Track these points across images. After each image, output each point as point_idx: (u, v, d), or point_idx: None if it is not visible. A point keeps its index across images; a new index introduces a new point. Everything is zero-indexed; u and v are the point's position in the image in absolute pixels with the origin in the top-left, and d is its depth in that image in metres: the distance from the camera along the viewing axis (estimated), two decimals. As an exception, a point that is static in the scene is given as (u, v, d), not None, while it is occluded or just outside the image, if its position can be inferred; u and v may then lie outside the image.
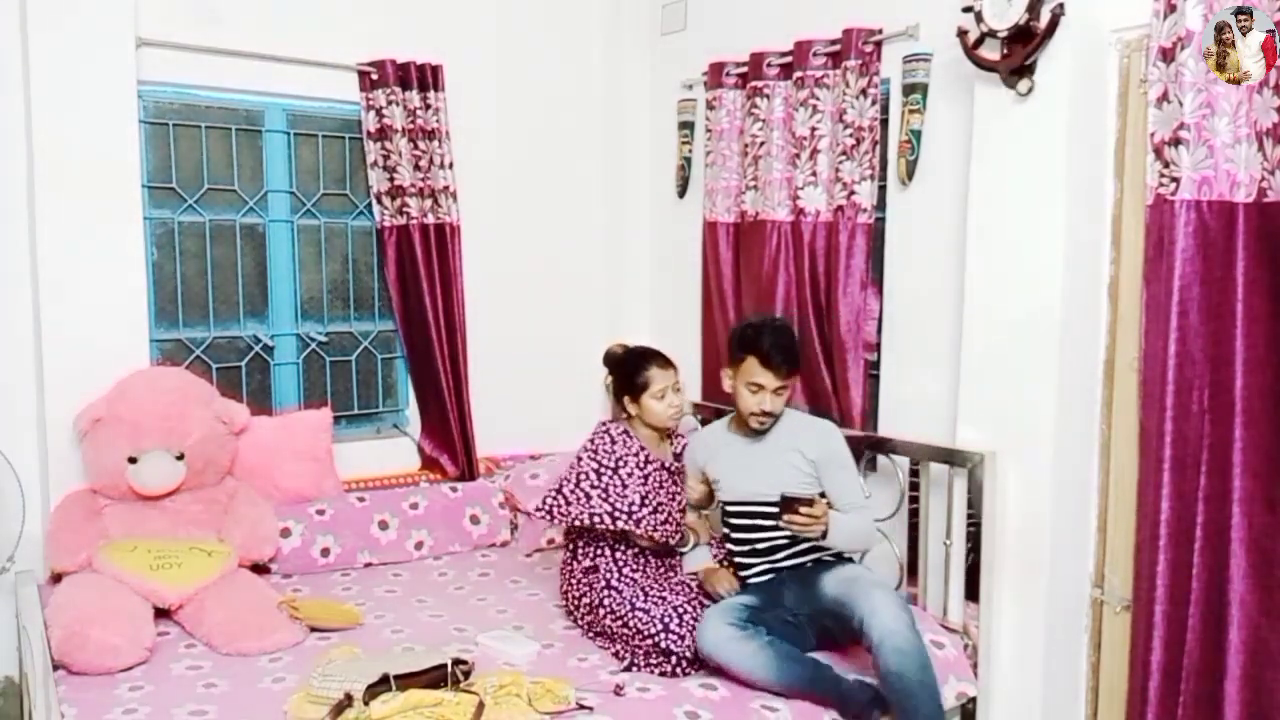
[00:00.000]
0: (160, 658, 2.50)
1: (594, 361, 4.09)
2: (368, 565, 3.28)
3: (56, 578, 2.81)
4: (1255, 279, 2.23)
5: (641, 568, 2.79)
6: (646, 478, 2.80)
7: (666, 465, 2.90)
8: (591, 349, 4.09)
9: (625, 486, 2.76)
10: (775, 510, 2.49)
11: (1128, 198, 2.57)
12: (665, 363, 2.91)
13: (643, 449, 2.86)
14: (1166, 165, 2.30)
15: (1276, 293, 2.23)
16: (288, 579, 3.10)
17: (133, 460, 2.90)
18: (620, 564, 2.76)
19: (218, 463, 3.08)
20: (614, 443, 2.84)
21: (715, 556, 2.90)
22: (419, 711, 2.09)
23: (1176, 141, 2.27)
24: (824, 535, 2.48)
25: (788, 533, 2.55)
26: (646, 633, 2.52)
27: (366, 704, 2.11)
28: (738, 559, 2.77)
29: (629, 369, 2.91)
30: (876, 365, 3.19)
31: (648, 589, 2.67)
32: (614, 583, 2.71)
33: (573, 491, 2.77)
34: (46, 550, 2.88)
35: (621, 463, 2.80)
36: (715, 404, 3.60)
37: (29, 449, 3.00)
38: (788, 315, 3.30)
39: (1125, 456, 2.60)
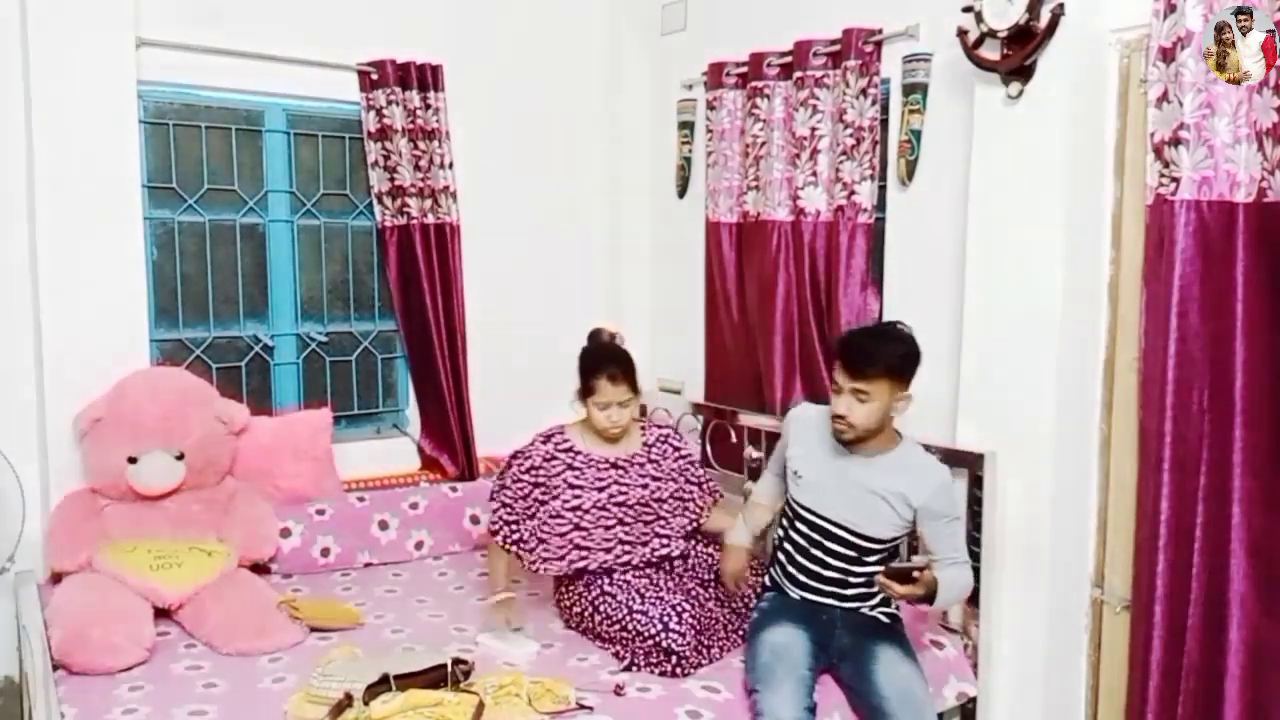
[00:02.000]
0: (160, 658, 2.50)
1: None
2: (368, 565, 3.28)
3: (56, 578, 2.81)
4: (1255, 279, 2.23)
5: (631, 570, 2.76)
6: (550, 480, 2.76)
7: (618, 462, 2.82)
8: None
9: (507, 508, 2.77)
10: (851, 541, 2.46)
11: (1128, 198, 2.57)
12: (617, 378, 2.75)
13: (573, 452, 2.81)
14: (1166, 165, 2.30)
15: (1276, 293, 2.23)
16: (288, 579, 3.10)
17: (133, 460, 2.90)
18: (610, 570, 2.74)
19: (218, 463, 3.08)
20: (520, 452, 2.82)
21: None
22: (419, 711, 2.09)
23: (1176, 141, 2.27)
24: (928, 601, 2.37)
25: (858, 575, 2.50)
26: (646, 634, 2.50)
27: (366, 704, 2.11)
28: (795, 573, 2.59)
29: (586, 365, 2.81)
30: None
31: (643, 590, 2.64)
32: (607, 588, 2.68)
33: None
34: (46, 550, 2.88)
35: (515, 481, 2.78)
36: (717, 405, 3.60)
37: (29, 449, 3.00)
38: (788, 315, 3.30)
39: (1125, 456, 2.60)
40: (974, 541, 2.75)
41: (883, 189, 3.12)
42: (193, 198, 3.36)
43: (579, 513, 2.75)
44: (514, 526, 2.77)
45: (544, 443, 2.83)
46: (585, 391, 2.79)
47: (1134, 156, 2.52)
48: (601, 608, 2.65)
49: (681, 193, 3.88)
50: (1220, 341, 2.27)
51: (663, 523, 2.84)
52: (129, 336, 3.09)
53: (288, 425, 3.35)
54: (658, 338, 4.08)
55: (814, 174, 3.19)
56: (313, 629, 2.69)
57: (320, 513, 3.26)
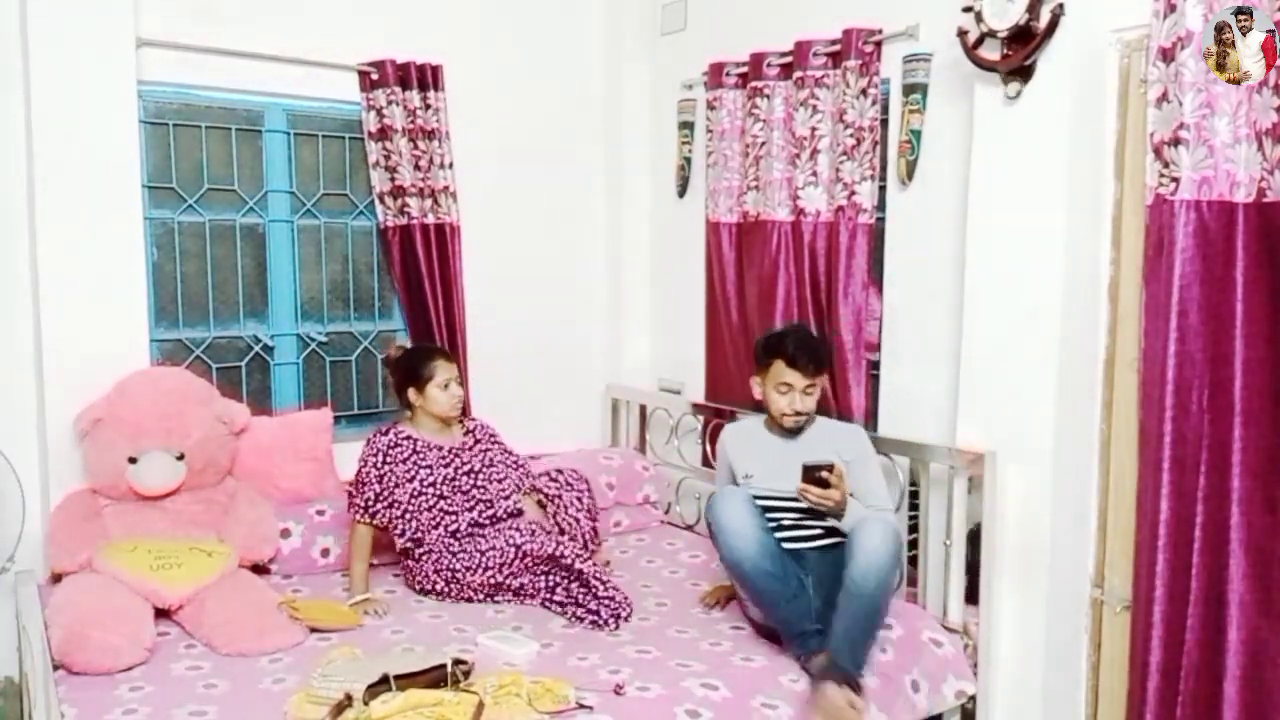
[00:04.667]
0: (160, 658, 2.49)
1: (594, 361, 4.13)
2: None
3: (56, 578, 2.81)
4: (1255, 279, 2.23)
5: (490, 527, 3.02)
6: (399, 464, 2.99)
7: (453, 448, 3.10)
8: (591, 349, 4.12)
9: (364, 485, 2.98)
10: (805, 509, 2.59)
11: (1128, 198, 2.58)
12: (448, 358, 3.11)
13: (412, 440, 3.04)
14: (1166, 165, 2.30)
15: (1276, 293, 2.23)
16: (288, 579, 3.10)
17: (133, 460, 2.90)
18: (469, 533, 3.00)
19: (218, 463, 3.08)
20: (366, 445, 3.03)
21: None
22: (419, 711, 2.09)
23: (1176, 141, 2.27)
24: (841, 516, 2.57)
25: (813, 533, 2.65)
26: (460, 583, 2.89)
27: (366, 704, 2.11)
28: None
29: (413, 362, 3.08)
30: (876, 365, 3.19)
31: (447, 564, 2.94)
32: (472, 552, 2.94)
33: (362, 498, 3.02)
34: (46, 550, 2.88)
35: (364, 463, 3.00)
36: (717, 404, 3.61)
37: (29, 449, 3.00)
38: (788, 315, 3.31)
39: (1125, 456, 2.60)
40: (974, 541, 2.75)
41: (883, 189, 3.12)
42: (193, 198, 3.36)
43: (437, 486, 3.01)
44: (384, 507, 2.98)
45: (382, 435, 3.05)
46: (424, 380, 3.04)
47: (1134, 156, 2.52)
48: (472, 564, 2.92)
49: (681, 193, 3.88)
50: (1220, 341, 2.27)
51: (499, 484, 3.12)
52: (129, 336, 3.09)
53: (288, 425, 3.35)
54: (658, 338, 4.08)
55: (814, 174, 3.20)
56: (313, 629, 2.69)
57: (320, 513, 3.26)
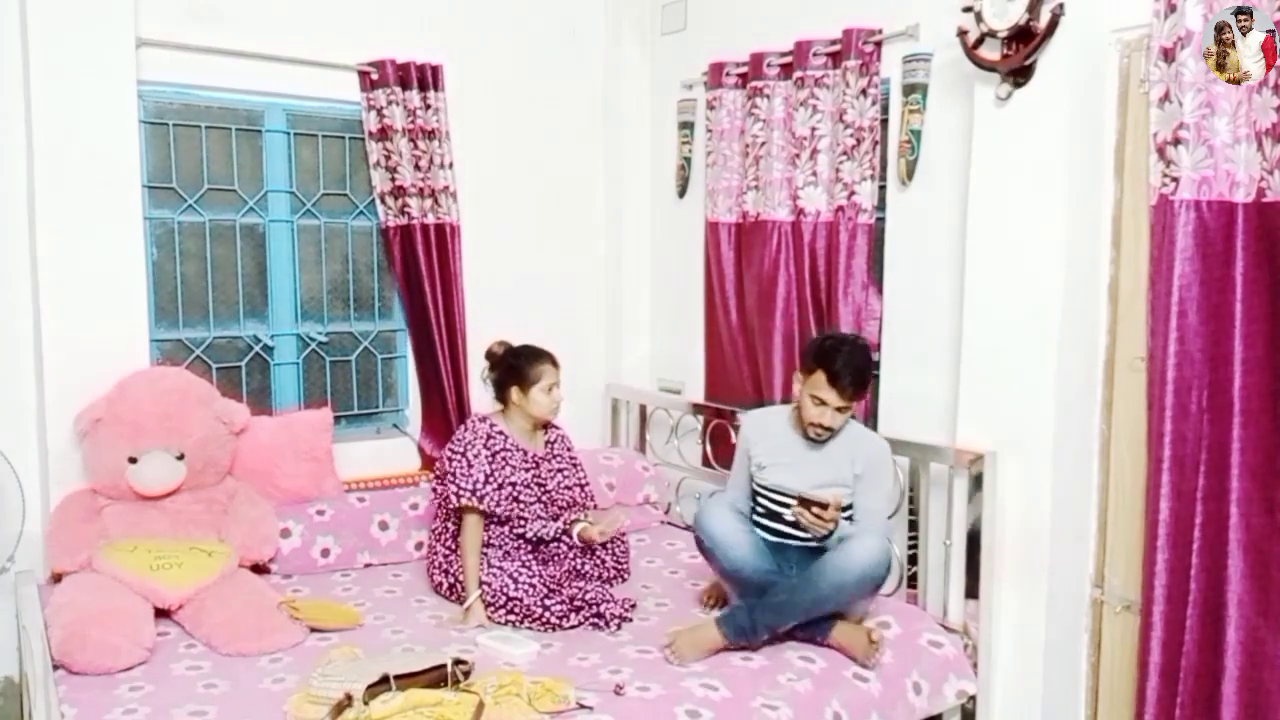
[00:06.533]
0: (160, 658, 2.50)
1: (594, 362, 4.13)
2: (368, 565, 3.28)
3: (56, 578, 2.81)
4: (1254, 279, 2.24)
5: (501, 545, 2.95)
6: (495, 455, 2.98)
7: (536, 455, 3.08)
8: (591, 349, 4.12)
9: (471, 467, 2.93)
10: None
11: (1128, 198, 2.58)
12: (555, 362, 3.08)
13: (504, 435, 3.03)
14: (1167, 165, 2.30)
15: (1275, 293, 2.23)
16: (288, 579, 3.10)
17: (133, 460, 2.90)
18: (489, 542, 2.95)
19: (218, 463, 3.08)
20: (466, 430, 3.03)
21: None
22: (419, 711, 2.09)
23: (1176, 141, 2.28)
24: (829, 536, 2.62)
25: (805, 534, 2.68)
26: (495, 604, 2.79)
27: (366, 704, 2.11)
28: (767, 536, 2.84)
29: (521, 361, 3.05)
30: (877, 365, 3.19)
31: (490, 560, 2.88)
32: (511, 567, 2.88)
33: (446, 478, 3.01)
34: (46, 550, 2.88)
35: (469, 446, 2.97)
36: (717, 404, 3.61)
37: (29, 449, 3.00)
38: (788, 315, 3.31)
39: (1125, 456, 2.60)
40: (974, 542, 2.75)
41: (883, 189, 3.12)
42: (193, 198, 3.36)
43: (516, 488, 2.98)
44: (493, 490, 2.93)
45: (481, 422, 3.06)
46: (529, 381, 3.02)
47: (1134, 156, 2.53)
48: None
49: (681, 193, 3.88)
50: (1219, 341, 2.27)
51: (566, 507, 3.11)
52: (129, 336, 3.09)
53: (288, 425, 3.35)
54: (658, 338, 4.08)
55: (814, 174, 3.20)
56: (313, 629, 2.69)
57: (320, 513, 3.26)
